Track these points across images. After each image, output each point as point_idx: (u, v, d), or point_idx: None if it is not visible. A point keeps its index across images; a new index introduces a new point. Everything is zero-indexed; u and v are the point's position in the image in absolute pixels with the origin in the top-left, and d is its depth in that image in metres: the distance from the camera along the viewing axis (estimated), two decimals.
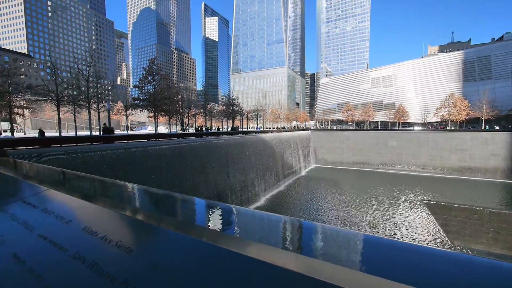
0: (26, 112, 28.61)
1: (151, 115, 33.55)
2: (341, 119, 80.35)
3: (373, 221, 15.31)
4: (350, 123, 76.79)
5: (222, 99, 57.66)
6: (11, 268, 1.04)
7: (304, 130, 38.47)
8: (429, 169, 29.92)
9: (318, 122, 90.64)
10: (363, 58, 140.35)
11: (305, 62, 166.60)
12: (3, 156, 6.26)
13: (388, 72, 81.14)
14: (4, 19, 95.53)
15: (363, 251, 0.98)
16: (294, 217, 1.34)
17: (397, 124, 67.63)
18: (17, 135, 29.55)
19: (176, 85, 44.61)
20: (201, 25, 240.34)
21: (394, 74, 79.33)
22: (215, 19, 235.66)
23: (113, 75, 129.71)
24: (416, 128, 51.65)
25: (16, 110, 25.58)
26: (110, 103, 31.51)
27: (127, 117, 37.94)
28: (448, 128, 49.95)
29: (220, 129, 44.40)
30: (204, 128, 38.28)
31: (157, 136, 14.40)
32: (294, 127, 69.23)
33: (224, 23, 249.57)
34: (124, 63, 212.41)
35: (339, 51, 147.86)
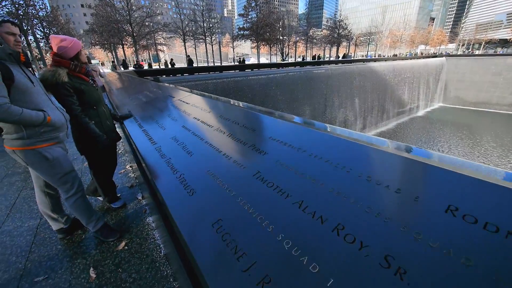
0: (165, 48, 36.11)
1: (254, 45, 34.35)
2: (507, 38, 53.67)
3: None
4: None
5: (327, 21, 49.85)
6: (170, 137, 1.68)
7: (435, 56, 29.00)
8: None
9: (462, 45, 64.40)
10: None
11: None
12: (157, 81, 8.98)
13: None
14: None
15: None
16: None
17: None
18: (162, 67, 38.81)
19: (277, 10, 41.72)
20: None
21: None
22: None
23: (221, 6, 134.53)
24: None
25: (159, 47, 32.76)
26: (220, 36, 34.43)
27: (233, 48, 40.76)
28: None
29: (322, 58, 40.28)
30: (316, 57, 35.91)
31: (259, 66, 15.11)
32: (421, 53, 52.93)
33: None
34: None
35: None
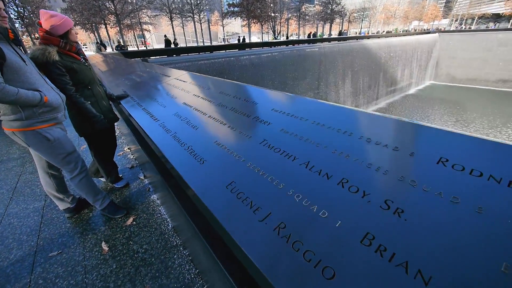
0: (150, 28, 34.25)
1: (244, 23, 32.99)
2: (500, 12, 53.15)
3: None
4: None
5: None
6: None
7: (428, 33, 28.67)
8: None
9: (456, 21, 63.52)
10: None
11: None
12: (146, 61, 8.72)
13: None
14: None
15: None
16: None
17: None
18: (149, 47, 36.99)
19: None
20: None
21: None
22: None
23: None
24: None
25: (144, 26, 31.03)
26: (208, 13, 32.73)
27: (223, 27, 39.02)
28: None
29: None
30: (312, 35, 34.66)
31: (251, 45, 14.67)
32: (414, 29, 52.08)
33: None
34: None
35: None
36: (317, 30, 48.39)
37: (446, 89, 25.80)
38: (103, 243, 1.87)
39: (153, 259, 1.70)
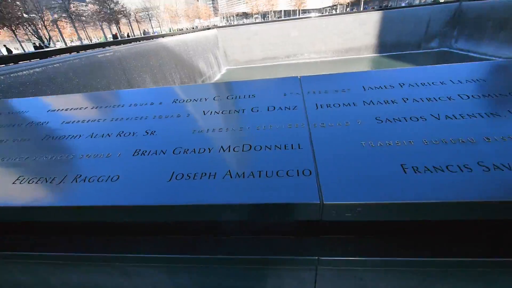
0: None
1: None
2: (246, 11, 74.52)
3: None
4: (256, 15, 72.88)
5: None
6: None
7: (209, 29, 34.65)
8: (323, 54, 34.43)
9: (223, 18, 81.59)
10: None
11: None
12: None
13: None
14: None
15: None
16: None
17: (297, 12, 68.77)
18: None
19: None
20: None
21: None
22: None
23: None
24: (313, 14, 53.96)
25: None
26: None
27: None
28: (336, 12, 54.83)
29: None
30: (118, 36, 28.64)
31: (10, 59, 10.42)
32: (195, 27, 60.66)
33: None
34: None
35: None
36: (103, 32, 42.74)
37: (238, 70, 33.52)
38: None
39: None
